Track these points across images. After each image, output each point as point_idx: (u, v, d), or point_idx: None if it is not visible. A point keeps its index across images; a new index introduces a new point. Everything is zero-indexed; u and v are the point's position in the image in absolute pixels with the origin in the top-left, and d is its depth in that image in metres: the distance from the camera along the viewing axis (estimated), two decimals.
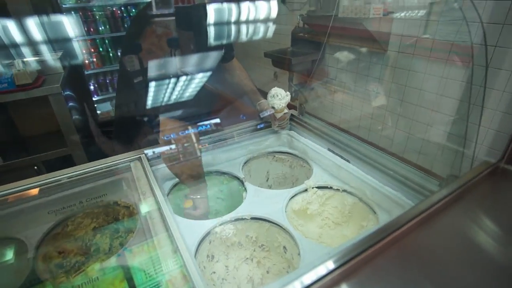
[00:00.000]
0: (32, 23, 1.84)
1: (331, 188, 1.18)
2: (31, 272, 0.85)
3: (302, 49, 3.39)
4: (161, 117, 1.18)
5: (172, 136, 1.11)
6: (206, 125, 1.27)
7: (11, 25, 1.77)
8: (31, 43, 2.00)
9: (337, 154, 1.25)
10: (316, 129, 1.40)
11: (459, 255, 0.57)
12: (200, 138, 1.29)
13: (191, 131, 1.14)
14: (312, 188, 1.17)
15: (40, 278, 0.84)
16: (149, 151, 1.18)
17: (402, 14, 2.43)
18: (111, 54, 3.51)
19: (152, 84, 1.40)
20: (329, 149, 1.29)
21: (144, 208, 0.98)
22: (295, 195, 1.15)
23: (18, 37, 1.81)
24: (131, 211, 1.07)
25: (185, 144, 1.13)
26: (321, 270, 0.52)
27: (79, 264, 0.97)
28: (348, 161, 1.19)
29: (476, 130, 0.81)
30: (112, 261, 0.85)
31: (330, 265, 0.53)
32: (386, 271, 0.53)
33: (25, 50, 2.14)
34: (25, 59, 2.11)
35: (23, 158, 2.00)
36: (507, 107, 1.04)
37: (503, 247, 0.59)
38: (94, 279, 0.82)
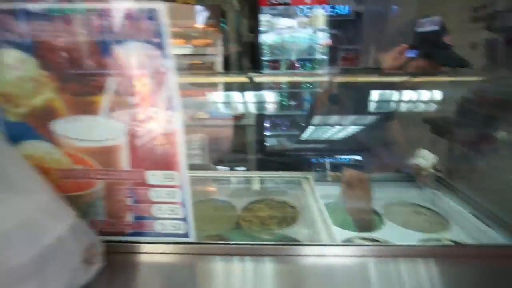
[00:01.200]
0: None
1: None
2: (236, 223, 1.43)
3: (467, 120, 3.27)
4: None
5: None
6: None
7: None
8: None
9: (479, 219, 1.35)
10: (463, 194, 1.52)
11: None
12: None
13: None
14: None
15: (241, 227, 1.40)
16: (315, 174, 1.67)
17: None
18: (285, 104, 4.46)
19: (316, 130, 1.94)
20: (471, 213, 1.40)
21: (306, 208, 1.43)
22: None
23: None
24: (295, 210, 1.54)
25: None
26: None
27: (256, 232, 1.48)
28: (489, 226, 1.28)
29: None
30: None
31: None
32: None
33: None
34: None
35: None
36: None
37: None
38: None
